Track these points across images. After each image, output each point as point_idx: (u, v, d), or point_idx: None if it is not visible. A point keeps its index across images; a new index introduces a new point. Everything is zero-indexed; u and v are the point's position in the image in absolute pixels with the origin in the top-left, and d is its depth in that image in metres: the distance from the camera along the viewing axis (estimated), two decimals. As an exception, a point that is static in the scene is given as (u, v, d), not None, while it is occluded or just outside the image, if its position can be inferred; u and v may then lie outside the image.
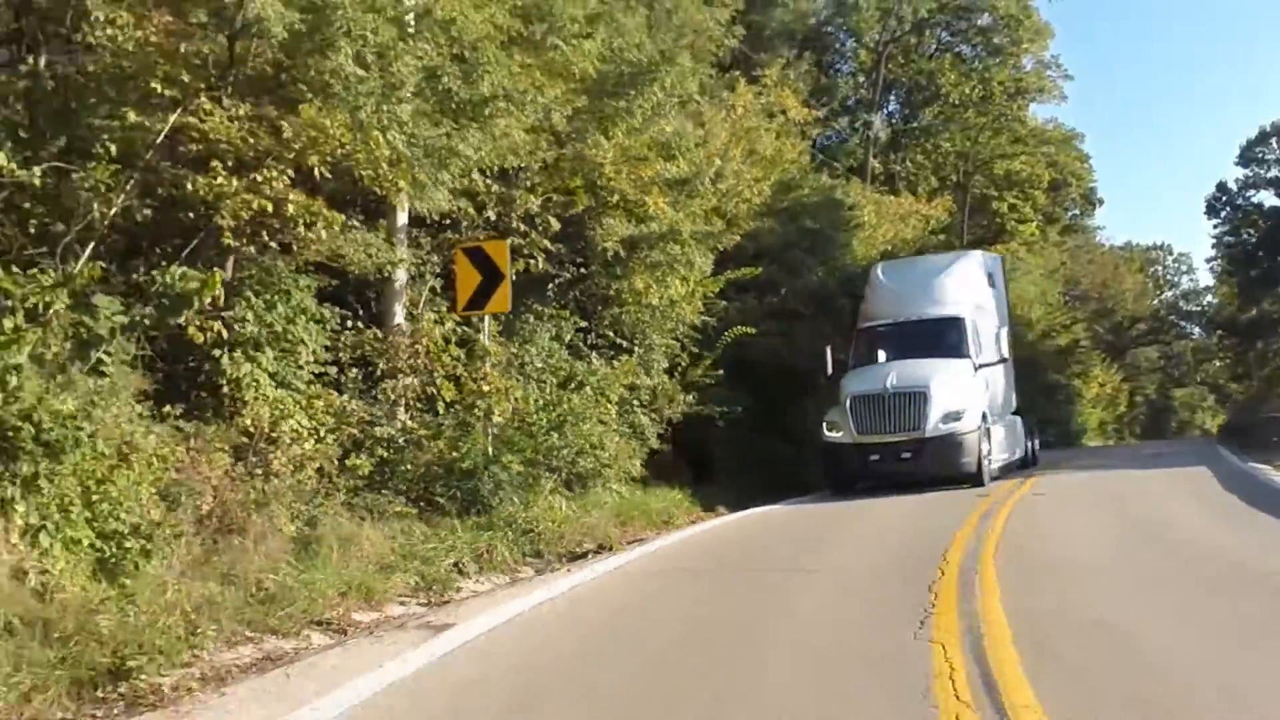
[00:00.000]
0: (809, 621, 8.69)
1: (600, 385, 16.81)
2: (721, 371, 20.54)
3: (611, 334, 18.55)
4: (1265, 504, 15.28)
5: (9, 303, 8.85)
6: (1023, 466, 23.86)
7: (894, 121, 47.40)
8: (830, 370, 21.42)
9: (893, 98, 48.06)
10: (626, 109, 16.10)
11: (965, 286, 22.00)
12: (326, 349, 12.63)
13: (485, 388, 13.98)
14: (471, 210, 14.61)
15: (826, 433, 19.75)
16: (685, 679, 7.10)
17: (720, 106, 25.46)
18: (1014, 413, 24.05)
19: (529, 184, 15.70)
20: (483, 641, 8.57)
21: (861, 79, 44.90)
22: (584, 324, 17.78)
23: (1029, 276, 49.19)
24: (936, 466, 18.79)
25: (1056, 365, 52.32)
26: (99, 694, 6.89)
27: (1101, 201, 65.21)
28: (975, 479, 18.96)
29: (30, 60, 11.42)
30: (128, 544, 8.62)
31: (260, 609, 8.78)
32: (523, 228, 15.62)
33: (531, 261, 15.69)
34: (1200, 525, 13.61)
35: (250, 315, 11.37)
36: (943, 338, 20.40)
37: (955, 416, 18.88)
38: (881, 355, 20.39)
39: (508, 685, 7.31)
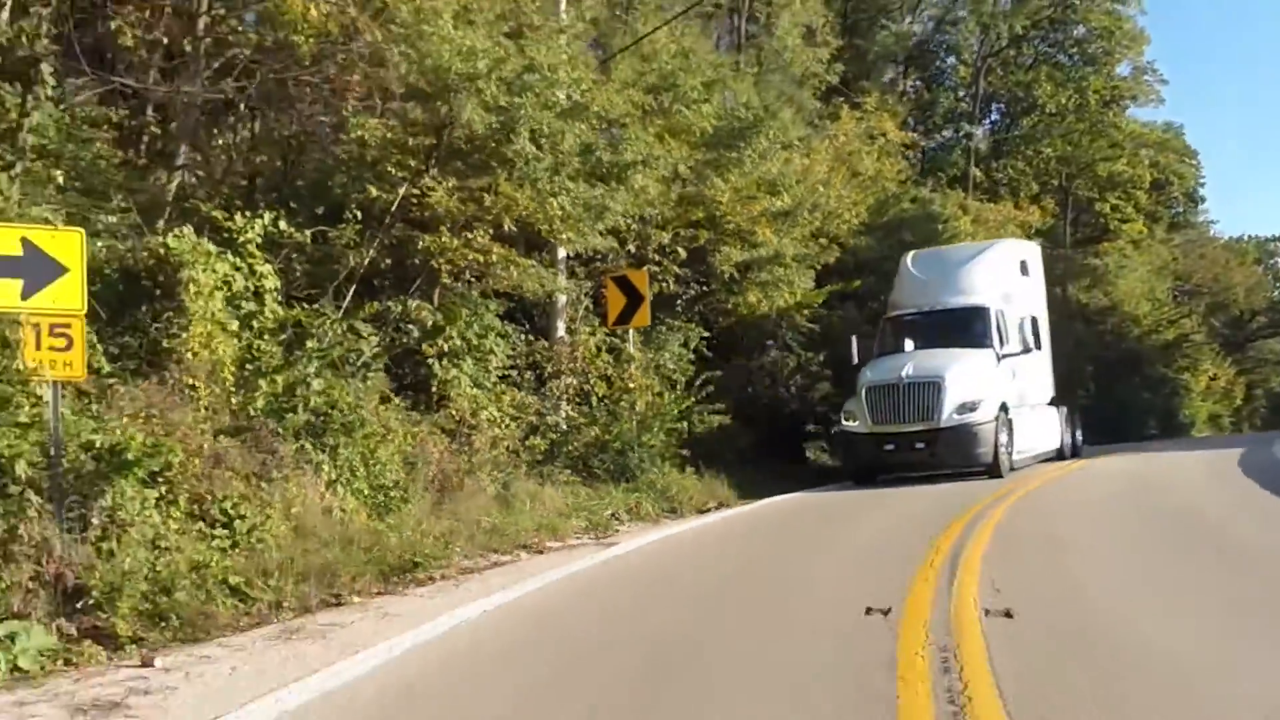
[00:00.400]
0: (831, 561, 12.19)
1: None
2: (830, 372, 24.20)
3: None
4: (1268, 481, 16.49)
5: (308, 330, 13.05)
6: (1060, 456, 23.37)
7: (995, 131, 49.86)
8: (856, 359, 21.40)
9: (993, 109, 50.44)
10: (737, 158, 19.92)
11: (993, 276, 21.62)
12: (509, 356, 16.59)
13: (630, 385, 18.01)
14: (616, 245, 18.50)
15: (843, 422, 19.89)
16: (756, 573, 10.90)
17: (823, 135, 29.09)
18: (1050, 402, 23.66)
19: (661, 222, 19.51)
20: (634, 554, 12.54)
21: (962, 93, 47.61)
22: (707, 333, 21.54)
23: (1135, 274, 50.96)
24: (951, 456, 18.85)
25: (1164, 359, 53.56)
26: (394, 580, 10.82)
27: (1204, 199, 65.90)
28: (992, 469, 18.90)
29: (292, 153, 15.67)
30: (391, 493, 12.70)
31: (483, 538, 12.77)
32: (657, 257, 19.53)
33: (664, 284, 19.63)
34: (1190, 495, 15.76)
35: (455, 333, 15.37)
36: (966, 327, 20.24)
37: (971, 407, 18.77)
38: (909, 344, 20.19)
39: (651, 570, 11.30)
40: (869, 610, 7.66)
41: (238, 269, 12.83)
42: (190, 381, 11.67)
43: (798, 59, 29.00)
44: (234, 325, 12.56)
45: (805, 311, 23.64)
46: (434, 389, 15.18)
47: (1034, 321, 21.97)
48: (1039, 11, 45.63)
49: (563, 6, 17.88)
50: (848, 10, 42.26)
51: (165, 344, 11.80)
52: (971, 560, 9.91)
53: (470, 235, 14.35)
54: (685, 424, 18.63)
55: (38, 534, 8.59)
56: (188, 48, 15.44)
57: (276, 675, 7.11)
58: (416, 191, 14.54)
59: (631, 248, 19.08)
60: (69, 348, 9.34)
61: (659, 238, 19.32)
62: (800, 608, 8.69)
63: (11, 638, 7.48)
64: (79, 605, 8.40)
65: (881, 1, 43.37)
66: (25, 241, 9.12)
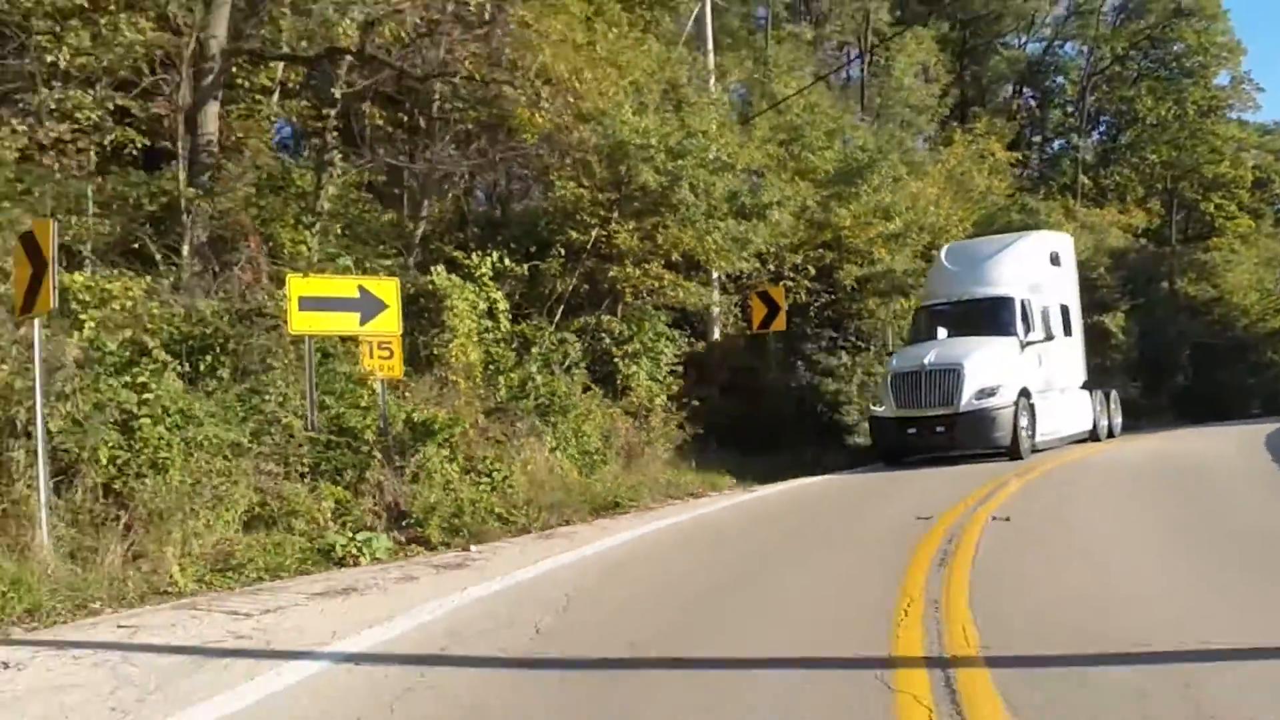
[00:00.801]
0: (898, 498, 15.60)
1: (846, 373, 24.61)
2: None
3: (854, 339, 26.16)
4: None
5: (531, 340, 17.41)
6: (1094, 438, 23.69)
7: (1103, 141, 52.27)
8: (890, 348, 22.78)
9: (1100, 121, 52.77)
10: (855, 192, 23.78)
11: (1020, 266, 21.86)
12: (675, 355, 20.64)
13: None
14: (759, 266, 22.47)
15: (872, 407, 20.66)
16: (835, 509, 14.66)
17: (937, 160, 32.80)
18: (1083, 386, 23.78)
19: (793, 246, 23.42)
20: (765, 498, 16.46)
21: (1070, 108, 50.34)
22: (834, 334, 25.44)
23: (1242, 267, 52.75)
24: (969, 439, 19.27)
25: (1271, 345, 54.81)
26: (603, 514, 14.99)
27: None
28: (1011, 451, 19.27)
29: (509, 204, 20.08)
30: (594, 457, 16.92)
31: (661, 489, 16.90)
32: (791, 274, 23.44)
33: (797, 295, 23.53)
34: (1191, 459, 18.22)
35: (635, 339, 19.51)
36: (992, 316, 20.60)
37: (989, 392, 19.12)
38: (941, 333, 20.65)
39: (768, 507, 15.21)
40: (917, 518, 11.68)
41: (477, 295, 17.21)
42: (454, 378, 16.04)
43: (913, 95, 32.70)
44: (478, 338, 16.95)
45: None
46: (619, 381, 19.30)
47: (1064, 309, 22.67)
48: (1138, 33, 48.15)
49: (712, 82, 22.05)
50: (966, 37, 45.71)
51: (436, 352, 16.20)
52: (997, 499, 13.46)
53: (646, 266, 18.49)
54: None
55: (378, 478, 13.04)
56: (421, 123, 20.12)
57: (547, 552, 11.33)
58: (605, 233, 18.69)
59: (771, 267, 22.98)
60: (390, 357, 13.81)
61: (792, 259, 23.19)
62: (874, 518, 12.79)
63: (369, 541, 11.77)
64: (404, 523, 12.76)
65: (997, 28, 46.59)
66: (361, 288, 13.60)
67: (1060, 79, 50.90)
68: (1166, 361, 38.70)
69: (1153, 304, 42.56)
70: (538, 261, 18.63)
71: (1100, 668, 5.66)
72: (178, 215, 17.79)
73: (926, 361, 19.55)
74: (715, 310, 22.22)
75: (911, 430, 19.42)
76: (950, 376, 19.20)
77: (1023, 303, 20.75)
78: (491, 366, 16.89)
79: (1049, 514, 12.32)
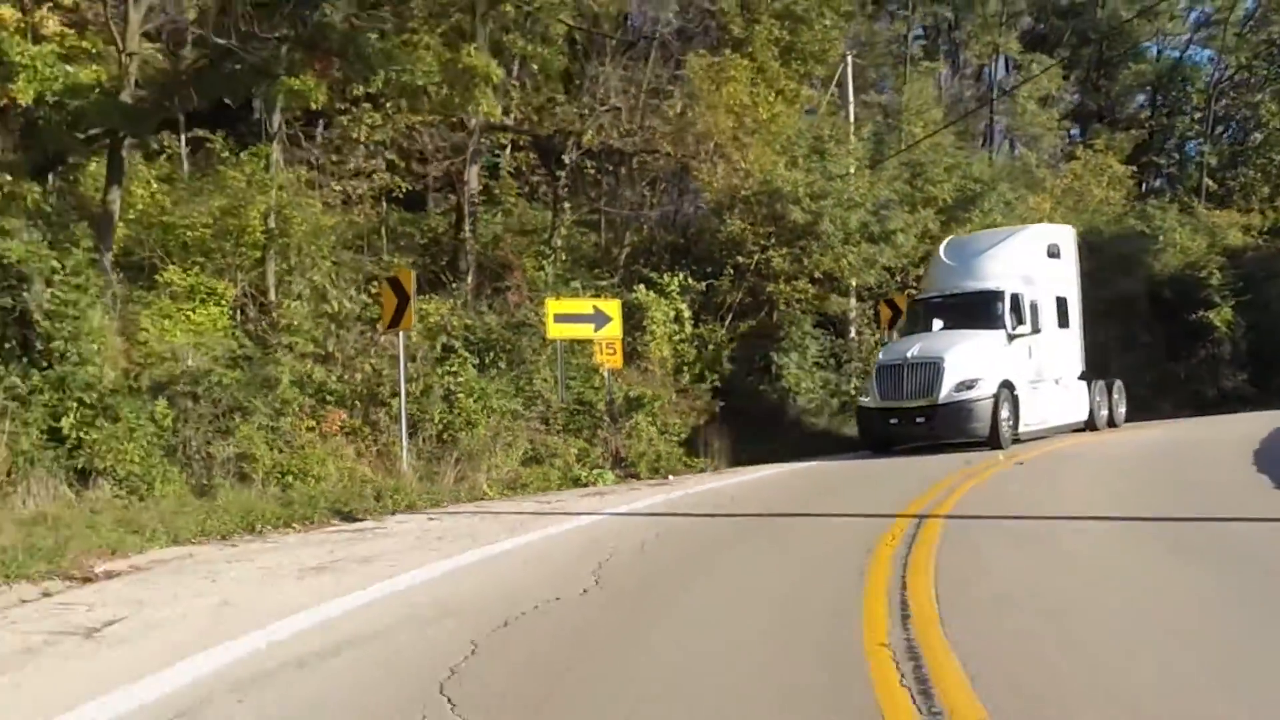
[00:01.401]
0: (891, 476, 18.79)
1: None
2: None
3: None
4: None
5: (707, 339, 22.80)
6: (1091, 427, 23.17)
7: (1230, 145, 54.57)
8: (886, 340, 22.93)
9: (1227, 127, 55.00)
10: (968, 216, 28.45)
11: (1013, 260, 21.55)
12: (819, 351, 25.58)
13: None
14: (888, 278, 27.30)
15: (860, 397, 20.78)
16: (845, 479, 18.14)
17: (1060, 175, 37.06)
18: (1080, 376, 23.21)
19: (916, 261, 28.08)
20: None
21: (1198, 114, 52.85)
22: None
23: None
24: (948, 430, 19.17)
25: None
26: (751, 465, 20.23)
27: None
28: (990, 441, 19.08)
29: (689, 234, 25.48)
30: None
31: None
32: (914, 284, 28.23)
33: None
34: (1173, 447, 18.79)
35: (788, 337, 24.64)
36: (981, 309, 20.45)
37: (969, 385, 19.07)
38: (936, 325, 20.85)
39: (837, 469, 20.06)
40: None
41: (668, 306, 22.62)
42: (652, 368, 21.50)
43: (1036, 119, 36.98)
44: (668, 338, 22.38)
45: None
46: (774, 370, 24.47)
47: (1061, 301, 22.46)
48: (1261, 44, 50.44)
49: (851, 134, 27.15)
50: (1102, 49, 49.18)
51: (638, 349, 21.63)
52: (982, 478, 14.78)
53: (795, 282, 23.65)
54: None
55: (605, 435, 18.59)
56: (623, 172, 25.76)
57: (716, 480, 16.51)
58: (764, 257, 23.86)
59: (897, 279, 27.81)
60: (614, 353, 19.34)
61: (915, 272, 28.06)
62: (880, 489, 16.28)
63: (602, 474, 17.08)
64: (623, 465, 18.11)
65: (1130, 40, 49.61)
66: (594, 306, 19.16)
67: (1188, 86, 53.10)
68: (1272, 355, 40.65)
69: (1267, 299, 44.97)
70: (713, 279, 23.86)
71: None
72: (444, 247, 23.99)
73: (910, 355, 19.72)
74: (853, 314, 27.16)
75: (894, 421, 19.47)
76: (930, 369, 19.29)
77: (1013, 296, 20.56)
78: (678, 359, 22.30)
79: (1025, 484, 14.08)
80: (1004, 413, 19.37)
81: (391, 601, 7.72)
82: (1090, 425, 23.13)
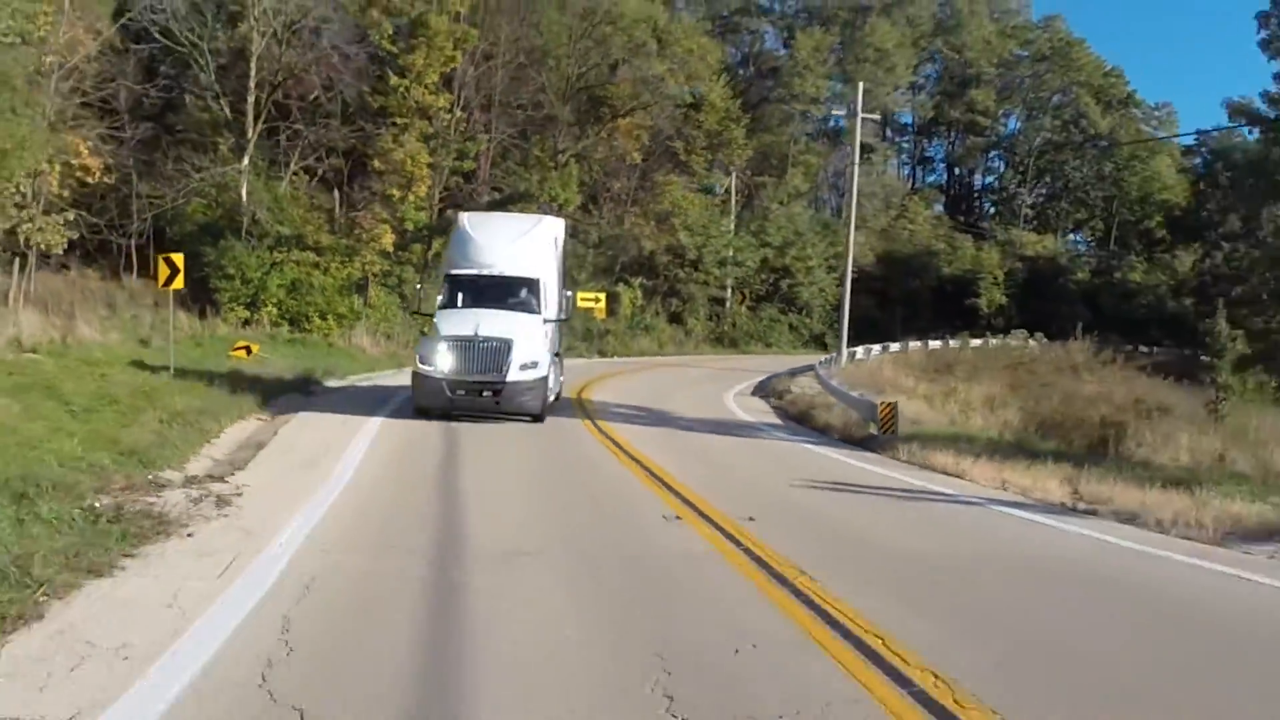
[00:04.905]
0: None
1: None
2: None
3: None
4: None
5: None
6: (557, 399, 23.78)
7: (1047, 189, 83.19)
8: (419, 307, 23.83)
9: (1043, 176, 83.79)
10: (798, 255, 57.83)
11: (542, 249, 22.18)
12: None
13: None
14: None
15: (420, 365, 20.00)
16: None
17: (884, 216, 66.63)
18: (555, 354, 23.56)
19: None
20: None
21: (1019, 169, 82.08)
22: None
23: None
24: (512, 406, 19.64)
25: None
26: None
27: None
28: (538, 417, 19.94)
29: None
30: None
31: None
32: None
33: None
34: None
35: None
36: (522, 294, 20.99)
37: (531, 366, 19.57)
38: (467, 301, 20.89)
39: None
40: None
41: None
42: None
43: (888, 187, 66.36)
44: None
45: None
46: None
47: (563, 292, 23.82)
48: (1067, 120, 79.85)
49: (732, 214, 56.75)
50: (957, 131, 79.27)
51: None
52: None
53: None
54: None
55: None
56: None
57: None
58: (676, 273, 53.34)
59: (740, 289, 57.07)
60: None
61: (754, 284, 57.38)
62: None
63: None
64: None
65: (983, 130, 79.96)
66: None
67: (1014, 152, 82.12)
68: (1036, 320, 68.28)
69: (1043, 287, 72.87)
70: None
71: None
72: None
73: (479, 332, 19.59)
74: (727, 301, 56.59)
75: (461, 392, 19.43)
76: (502, 348, 19.46)
77: (544, 284, 21.43)
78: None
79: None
80: (549, 391, 20.71)
81: None
82: (558, 397, 24.18)
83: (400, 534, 9.44)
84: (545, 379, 19.91)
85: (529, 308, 20.74)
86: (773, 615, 7.04)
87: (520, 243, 21.94)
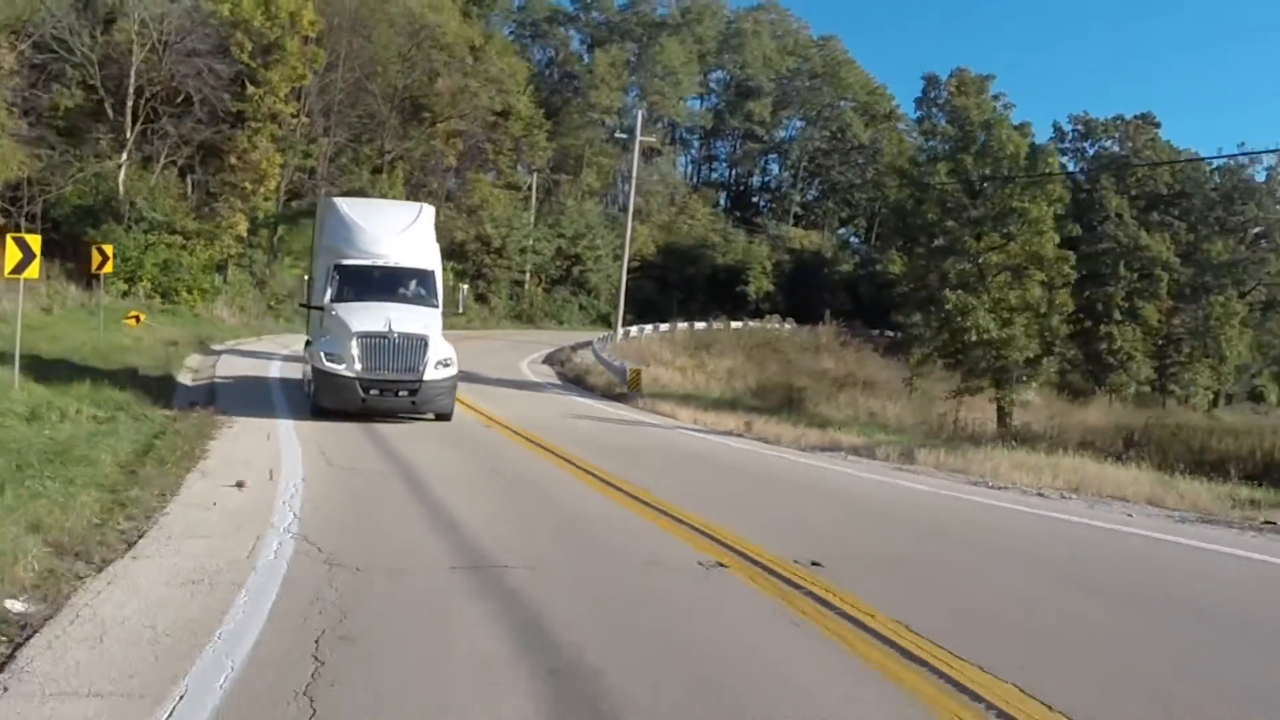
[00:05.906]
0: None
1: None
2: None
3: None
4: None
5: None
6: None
7: (817, 189, 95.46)
8: (308, 298, 21.57)
9: (814, 178, 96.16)
10: (589, 244, 67.01)
11: (429, 239, 21.54)
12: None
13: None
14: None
15: (326, 363, 18.68)
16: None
17: (666, 213, 76.31)
18: None
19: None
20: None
21: (793, 170, 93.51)
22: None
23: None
24: (427, 405, 19.08)
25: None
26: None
27: None
28: (448, 416, 19.55)
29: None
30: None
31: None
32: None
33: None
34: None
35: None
36: (420, 287, 20.48)
37: (446, 364, 19.10)
38: (364, 293, 19.75)
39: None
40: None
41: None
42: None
43: (674, 185, 75.84)
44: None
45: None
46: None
47: (459, 285, 24.39)
48: (835, 130, 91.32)
49: (532, 208, 65.43)
50: (740, 141, 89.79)
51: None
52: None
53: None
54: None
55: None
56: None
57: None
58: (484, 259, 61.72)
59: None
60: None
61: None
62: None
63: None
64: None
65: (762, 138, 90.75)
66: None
67: (789, 156, 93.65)
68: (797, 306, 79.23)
69: (806, 277, 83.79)
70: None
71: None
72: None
73: (392, 329, 18.69)
74: (525, 285, 65.36)
75: (375, 391, 18.57)
76: (418, 347, 18.80)
77: (437, 276, 20.97)
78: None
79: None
80: (457, 388, 20.17)
81: None
82: None
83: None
84: (456, 377, 19.52)
85: (427, 301, 20.22)
86: (539, 462, 15.10)
87: (410, 232, 21.19)
